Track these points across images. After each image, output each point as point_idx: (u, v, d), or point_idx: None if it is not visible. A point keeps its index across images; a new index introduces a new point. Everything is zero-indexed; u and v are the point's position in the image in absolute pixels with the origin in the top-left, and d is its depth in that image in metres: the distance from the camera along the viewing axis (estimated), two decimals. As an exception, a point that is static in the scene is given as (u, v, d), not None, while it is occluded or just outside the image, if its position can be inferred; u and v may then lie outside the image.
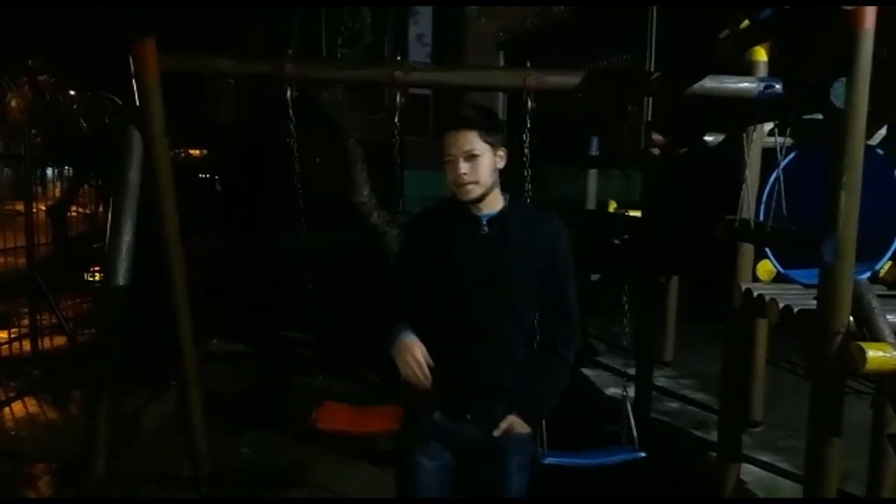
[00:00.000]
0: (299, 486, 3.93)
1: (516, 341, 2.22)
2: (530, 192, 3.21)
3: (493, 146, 2.15)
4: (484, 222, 2.18)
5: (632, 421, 2.99)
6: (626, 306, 3.21)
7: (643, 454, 2.86)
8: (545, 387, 2.24)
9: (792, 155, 3.11)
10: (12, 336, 6.27)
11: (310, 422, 2.93)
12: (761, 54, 3.33)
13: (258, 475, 4.07)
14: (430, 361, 2.09)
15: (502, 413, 2.20)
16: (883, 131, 3.35)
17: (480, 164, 2.12)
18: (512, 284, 2.17)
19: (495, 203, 2.20)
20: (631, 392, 3.47)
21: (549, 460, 2.77)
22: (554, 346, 2.25)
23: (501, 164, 2.19)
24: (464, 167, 2.11)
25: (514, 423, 2.20)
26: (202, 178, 13.18)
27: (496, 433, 2.19)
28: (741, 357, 3.78)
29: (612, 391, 5.18)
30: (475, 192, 2.14)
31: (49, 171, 7.98)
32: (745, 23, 3.24)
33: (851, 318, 2.51)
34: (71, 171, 8.19)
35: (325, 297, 3.16)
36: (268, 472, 4.11)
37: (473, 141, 2.12)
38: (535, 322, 2.26)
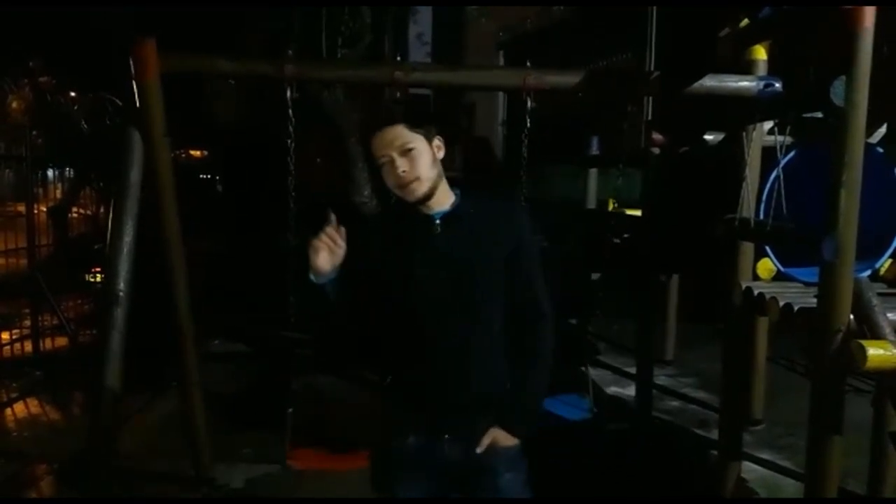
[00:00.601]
0: (300, 486, 3.93)
1: (488, 346, 2.03)
2: (527, 192, 3.22)
3: (427, 136, 1.98)
4: (437, 221, 2.00)
5: (591, 388, 3.12)
6: (627, 305, 3.21)
7: (590, 415, 2.89)
8: (526, 392, 2.07)
9: (792, 153, 3.12)
10: (14, 337, 6.28)
11: (283, 459, 2.94)
12: (761, 53, 3.33)
13: (259, 475, 4.07)
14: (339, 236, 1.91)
15: (483, 427, 2.02)
16: (883, 129, 3.35)
17: (418, 158, 1.94)
18: (476, 285, 1.99)
19: (445, 199, 2.02)
20: (623, 388, 3.52)
21: None
22: (530, 346, 2.08)
23: (441, 153, 2.02)
24: (402, 164, 1.94)
25: (498, 437, 2.01)
26: (203, 178, 13.17)
27: (479, 450, 2.00)
28: (742, 355, 3.79)
29: (613, 390, 5.19)
30: (420, 188, 1.95)
31: (50, 173, 7.97)
32: (745, 21, 3.24)
33: (852, 316, 2.52)
34: (72, 172, 8.19)
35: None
36: (269, 472, 4.11)
37: (403, 134, 1.95)
38: (506, 323, 2.08)
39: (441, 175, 2.00)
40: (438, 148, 2.02)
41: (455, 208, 2.03)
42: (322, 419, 3.23)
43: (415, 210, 2.00)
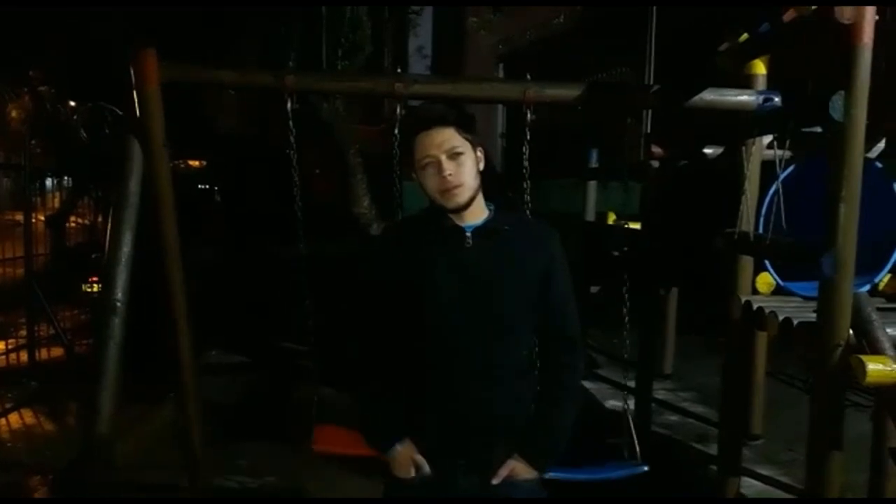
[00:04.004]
0: (297, 497, 3.91)
1: (513, 371, 1.93)
2: (529, 204, 3.21)
3: (473, 144, 1.90)
4: (468, 234, 1.90)
5: (633, 434, 2.87)
6: (626, 319, 3.19)
7: (646, 468, 2.78)
8: (549, 423, 1.95)
9: (791, 167, 3.12)
10: (10, 347, 6.26)
11: (308, 443, 2.88)
12: (760, 67, 3.35)
13: (256, 487, 4.04)
14: (425, 467, 1.91)
15: (502, 456, 1.92)
16: (882, 144, 3.36)
17: (465, 164, 1.86)
18: (504, 303, 1.89)
19: (480, 212, 1.93)
20: (632, 405, 3.43)
21: (551, 474, 2.73)
22: (557, 376, 1.99)
23: (482, 165, 1.93)
24: (449, 167, 1.84)
25: (516, 468, 1.91)
26: (202, 188, 13.18)
27: (495, 481, 1.91)
28: (741, 370, 3.77)
29: (611, 404, 5.17)
30: (463, 195, 1.86)
31: (48, 182, 7.99)
32: (745, 36, 3.26)
33: (851, 331, 2.51)
34: (70, 181, 8.20)
35: (324, 308, 3.15)
36: (266, 483, 4.08)
37: (454, 137, 1.86)
38: (534, 348, 2.01)
39: (480, 187, 1.92)
40: (481, 159, 1.94)
41: (488, 223, 1.93)
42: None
43: (446, 220, 1.91)
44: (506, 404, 1.92)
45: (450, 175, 1.85)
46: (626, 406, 3.07)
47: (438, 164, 1.86)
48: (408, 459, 1.92)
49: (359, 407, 2.01)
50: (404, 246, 1.96)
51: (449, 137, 1.86)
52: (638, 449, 2.82)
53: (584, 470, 2.65)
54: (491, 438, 1.93)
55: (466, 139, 1.88)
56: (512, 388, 1.93)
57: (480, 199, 1.93)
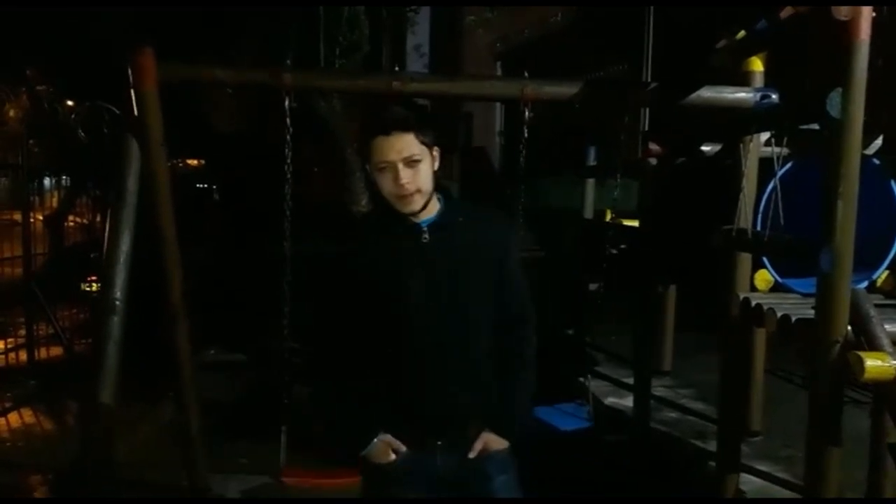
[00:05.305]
0: (297, 497, 3.91)
1: (478, 353, 2.02)
2: (525, 202, 3.22)
3: (430, 147, 1.92)
4: (424, 229, 1.96)
5: (590, 397, 3.14)
6: (625, 316, 3.21)
7: (591, 424, 2.88)
8: (515, 396, 2.07)
9: (789, 164, 3.12)
10: (8, 346, 6.26)
11: (275, 478, 2.93)
12: (758, 65, 3.35)
13: (255, 486, 4.04)
14: (402, 447, 2.00)
15: (475, 433, 2.03)
16: (879, 141, 3.36)
17: (421, 170, 1.89)
18: (466, 293, 1.97)
19: (432, 207, 1.98)
20: (620, 399, 3.51)
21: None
22: (517, 351, 2.09)
23: (437, 164, 1.96)
24: (405, 175, 1.87)
25: (489, 440, 2.03)
26: (200, 187, 13.17)
27: (471, 455, 2.01)
28: (739, 366, 3.78)
29: (610, 401, 5.17)
30: (419, 202, 1.91)
31: (46, 181, 7.98)
32: (742, 33, 3.26)
33: (849, 328, 2.51)
34: (68, 180, 8.19)
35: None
36: (264, 483, 4.08)
37: (412, 144, 1.87)
38: (495, 328, 2.07)
39: (435, 186, 1.97)
40: (436, 158, 1.97)
41: (441, 216, 2.00)
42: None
43: (401, 218, 1.96)
44: (475, 387, 2.02)
45: (406, 182, 1.88)
46: (584, 379, 3.17)
47: (395, 171, 1.88)
48: (385, 447, 2.01)
49: (329, 417, 2.12)
50: (366, 248, 2.01)
51: (408, 144, 1.87)
52: (591, 409, 2.93)
53: (541, 410, 2.66)
54: (464, 419, 2.03)
55: (424, 143, 1.91)
56: (477, 372, 2.03)
57: (433, 195, 1.99)
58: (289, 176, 3.22)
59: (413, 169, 1.88)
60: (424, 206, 1.94)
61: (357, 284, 1.99)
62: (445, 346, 1.96)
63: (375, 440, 2.00)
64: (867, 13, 2.37)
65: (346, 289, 2.02)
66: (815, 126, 2.91)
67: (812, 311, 2.66)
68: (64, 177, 8.16)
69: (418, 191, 1.90)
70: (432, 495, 2.04)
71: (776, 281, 3.37)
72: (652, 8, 7.70)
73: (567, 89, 3.29)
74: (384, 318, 1.98)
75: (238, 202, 10.93)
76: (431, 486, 2.03)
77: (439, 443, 2.01)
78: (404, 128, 1.88)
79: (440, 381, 1.98)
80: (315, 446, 3.17)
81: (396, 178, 1.88)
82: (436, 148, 1.96)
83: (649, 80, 7.28)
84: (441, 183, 2.02)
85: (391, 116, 1.91)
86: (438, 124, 2.06)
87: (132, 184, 3.33)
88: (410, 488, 2.03)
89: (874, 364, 2.36)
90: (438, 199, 2.01)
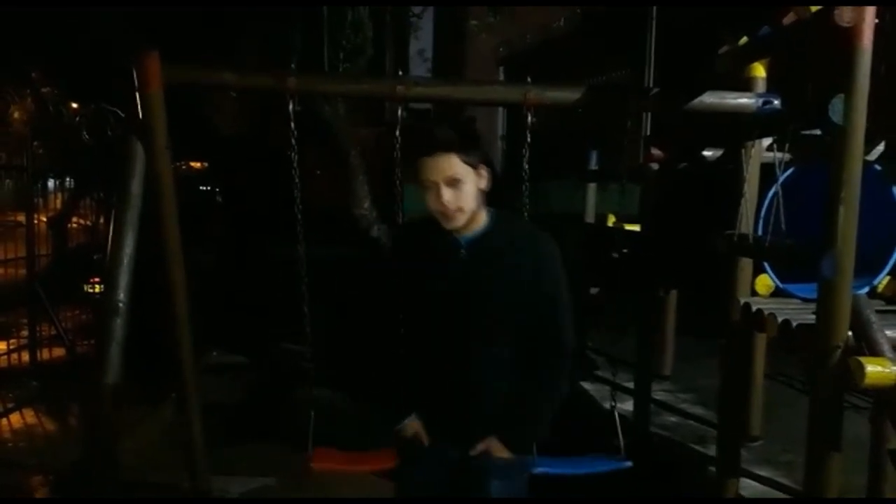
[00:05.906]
0: (298, 498, 3.92)
1: (495, 371, 2.08)
2: (528, 207, 3.22)
3: (475, 167, 1.98)
4: (463, 245, 2.03)
5: (619, 430, 2.89)
6: (625, 320, 3.21)
7: (629, 463, 2.81)
8: (526, 414, 2.11)
9: (791, 170, 3.13)
10: (11, 347, 6.27)
11: (303, 464, 2.90)
12: (760, 70, 3.36)
13: (257, 487, 4.05)
14: (425, 439, 2.14)
15: (482, 436, 2.11)
16: (881, 147, 3.37)
17: (465, 190, 1.95)
18: (489, 313, 2.04)
19: (477, 223, 2.05)
20: (620, 403, 3.45)
21: (539, 470, 2.71)
22: (535, 374, 2.11)
23: (484, 184, 2.01)
24: (447, 194, 1.93)
25: (492, 446, 2.08)
26: (203, 189, 13.18)
27: (472, 452, 2.10)
28: (740, 371, 3.78)
29: (611, 405, 5.17)
30: (460, 219, 1.98)
31: (50, 183, 7.99)
32: (744, 39, 3.27)
33: (850, 333, 2.52)
34: (72, 182, 8.20)
35: (325, 310, 3.16)
36: (266, 484, 4.09)
37: (455, 165, 1.93)
38: (520, 350, 2.12)
39: (481, 203, 2.02)
40: (483, 178, 2.01)
41: (484, 235, 2.05)
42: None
43: (444, 232, 2.02)
44: (488, 403, 2.10)
45: (447, 202, 1.94)
46: (614, 404, 3.07)
47: (438, 190, 1.94)
48: (414, 428, 2.15)
49: (389, 384, 2.23)
50: (412, 247, 2.12)
51: (450, 165, 1.93)
52: (622, 444, 2.83)
53: (570, 463, 2.66)
54: (479, 426, 2.12)
55: (468, 163, 1.96)
56: (492, 389, 2.09)
57: (480, 211, 2.04)
58: (297, 180, 3.23)
59: (455, 188, 1.94)
60: (468, 223, 2.01)
61: (402, 281, 2.11)
62: (462, 360, 2.05)
63: (408, 420, 2.14)
64: (870, 19, 2.38)
65: (394, 285, 2.15)
66: (818, 132, 2.93)
67: (813, 317, 2.67)
68: (68, 179, 8.17)
69: (460, 209, 1.96)
70: (438, 480, 2.14)
71: (777, 286, 3.37)
72: (654, 13, 7.72)
73: (569, 94, 3.29)
74: (416, 321, 2.11)
75: (240, 205, 10.96)
76: (441, 474, 2.13)
77: (452, 441, 2.12)
78: (447, 149, 1.95)
79: (454, 390, 2.08)
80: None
81: (438, 196, 1.95)
82: (482, 167, 2.01)
83: (651, 85, 7.28)
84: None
85: (435, 137, 1.97)
86: (482, 144, 2.11)
87: (136, 186, 3.33)
88: (422, 473, 2.16)
89: (875, 370, 2.36)
90: (488, 214, 2.07)
